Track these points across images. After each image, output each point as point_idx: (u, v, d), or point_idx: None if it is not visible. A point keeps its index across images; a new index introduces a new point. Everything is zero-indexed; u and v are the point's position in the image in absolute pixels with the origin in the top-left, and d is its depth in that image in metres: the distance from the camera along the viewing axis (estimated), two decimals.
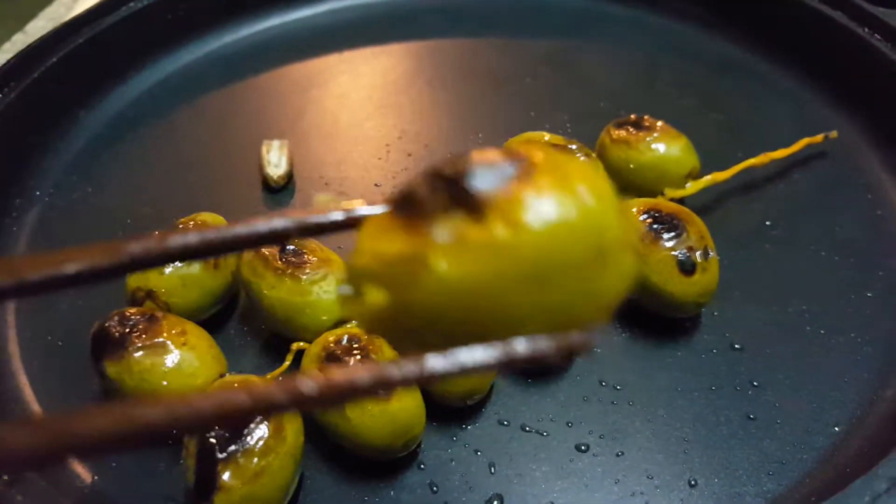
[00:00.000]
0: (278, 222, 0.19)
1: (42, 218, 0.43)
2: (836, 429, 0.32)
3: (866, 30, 0.47)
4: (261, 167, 0.44)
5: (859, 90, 0.47)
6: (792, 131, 0.45)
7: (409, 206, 0.16)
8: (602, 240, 0.16)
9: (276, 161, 0.43)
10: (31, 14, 0.72)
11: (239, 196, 0.44)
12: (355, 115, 0.49)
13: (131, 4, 0.52)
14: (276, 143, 0.45)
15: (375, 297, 0.16)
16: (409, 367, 0.16)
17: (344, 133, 0.47)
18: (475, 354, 0.15)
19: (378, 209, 0.18)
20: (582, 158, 0.37)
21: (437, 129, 0.47)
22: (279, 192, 0.43)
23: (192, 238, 0.19)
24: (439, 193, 0.15)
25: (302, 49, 0.54)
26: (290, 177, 0.44)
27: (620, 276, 0.17)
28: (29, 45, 0.47)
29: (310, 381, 0.16)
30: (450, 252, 0.15)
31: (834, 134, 0.44)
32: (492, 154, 0.16)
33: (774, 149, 0.42)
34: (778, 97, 0.49)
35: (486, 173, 0.15)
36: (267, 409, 0.16)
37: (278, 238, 0.19)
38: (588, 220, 0.16)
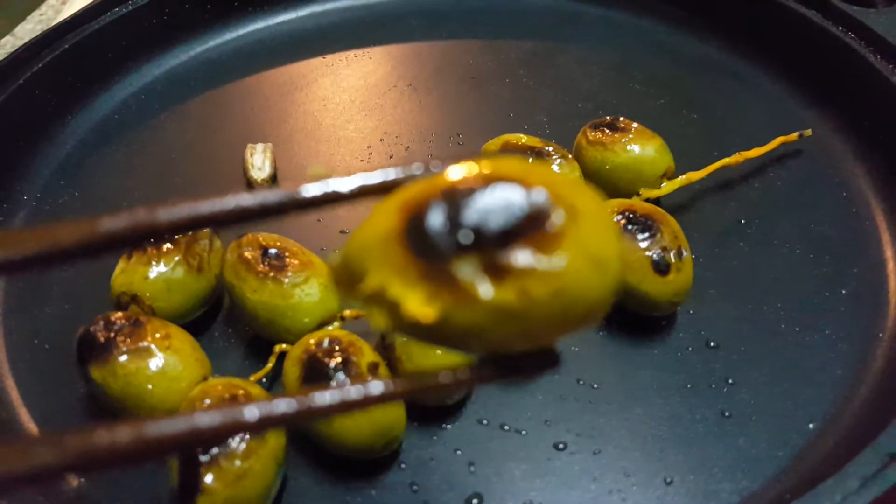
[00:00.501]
0: (271, 196, 0.18)
1: (28, 222, 0.43)
2: (811, 426, 0.33)
3: (840, 28, 0.48)
4: (244, 170, 0.44)
5: (834, 88, 0.48)
6: (767, 130, 0.45)
7: (429, 247, 0.15)
8: (614, 275, 0.17)
9: (259, 164, 0.44)
10: (21, 17, 0.72)
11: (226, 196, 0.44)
12: (338, 117, 0.49)
13: (116, 10, 0.52)
14: (259, 147, 0.45)
15: (419, 309, 0.16)
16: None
17: (327, 136, 0.48)
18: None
19: (371, 177, 0.18)
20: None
21: (419, 131, 0.48)
22: None
23: (181, 211, 0.19)
24: (472, 246, 0.15)
25: (285, 53, 0.55)
26: (273, 179, 0.44)
27: (614, 291, 0.17)
28: (15, 50, 0.47)
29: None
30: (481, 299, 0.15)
31: (808, 132, 0.45)
32: (526, 198, 0.15)
33: (749, 148, 0.43)
34: (753, 96, 0.50)
35: (522, 224, 0.15)
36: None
37: (272, 212, 0.19)
38: (608, 268, 0.16)
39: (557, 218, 0.15)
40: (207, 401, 0.29)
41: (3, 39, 0.68)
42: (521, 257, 0.15)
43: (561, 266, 0.15)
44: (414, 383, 0.19)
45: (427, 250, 0.15)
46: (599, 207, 0.17)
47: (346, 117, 0.49)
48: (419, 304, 0.15)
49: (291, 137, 0.48)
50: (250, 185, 0.44)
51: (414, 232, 0.15)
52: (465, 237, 0.15)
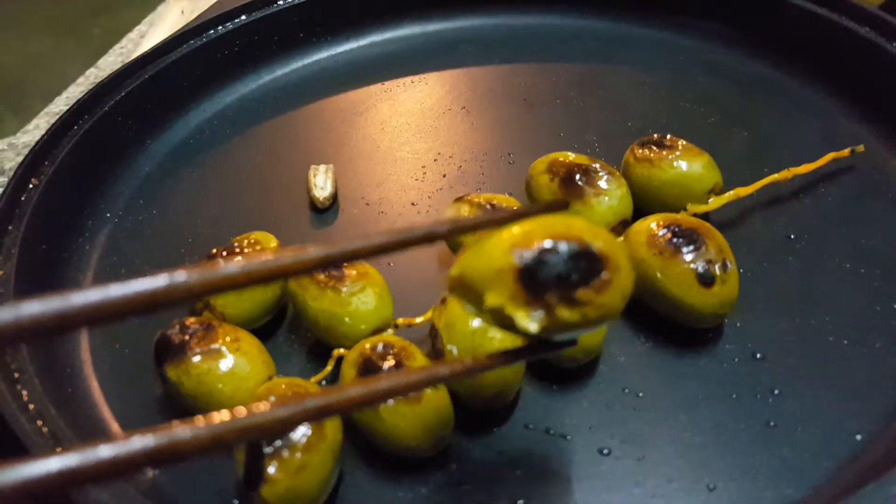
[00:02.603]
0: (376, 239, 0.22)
1: (111, 237, 0.47)
2: (858, 437, 0.33)
3: (893, 44, 0.48)
4: (308, 189, 0.47)
5: (887, 103, 0.48)
6: (818, 146, 0.46)
7: (534, 284, 0.23)
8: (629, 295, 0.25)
9: (321, 184, 0.47)
10: (103, 50, 0.78)
11: (289, 216, 0.47)
12: (394, 140, 0.52)
13: (192, 42, 0.56)
14: (322, 168, 0.48)
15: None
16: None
17: (383, 157, 0.50)
18: None
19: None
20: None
21: (471, 152, 0.50)
22: (324, 212, 0.47)
23: (278, 260, 0.21)
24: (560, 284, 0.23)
25: (346, 80, 0.58)
26: (334, 198, 0.47)
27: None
28: (100, 82, 0.51)
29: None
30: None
31: (861, 148, 0.45)
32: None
33: (799, 164, 0.43)
34: (805, 113, 0.50)
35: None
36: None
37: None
38: (629, 295, 0.25)
39: (606, 271, 0.23)
40: (272, 398, 0.31)
41: (88, 71, 0.73)
42: (586, 295, 0.23)
43: (606, 301, 0.23)
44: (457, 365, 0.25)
45: (532, 286, 0.23)
46: (627, 256, 0.25)
47: (402, 139, 0.52)
48: (525, 320, 0.23)
49: (351, 159, 0.51)
50: (313, 203, 0.46)
51: (525, 272, 0.23)
52: (557, 279, 0.23)
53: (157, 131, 0.54)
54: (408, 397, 0.31)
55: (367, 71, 0.58)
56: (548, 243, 0.23)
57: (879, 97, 0.48)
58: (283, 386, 0.31)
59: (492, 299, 0.23)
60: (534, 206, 0.25)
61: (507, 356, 0.26)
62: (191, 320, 0.35)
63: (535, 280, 0.23)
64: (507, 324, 0.23)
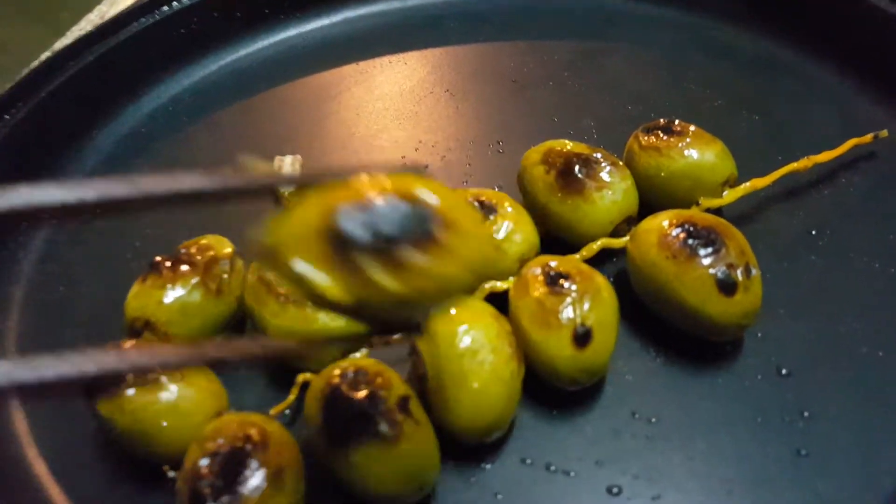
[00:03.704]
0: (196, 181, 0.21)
1: (49, 242, 0.41)
2: None
3: None
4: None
5: None
6: (837, 132, 0.42)
7: (344, 244, 0.19)
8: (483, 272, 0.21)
9: None
10: (62, 33, 0.71)
11: (250, 215, 0.41)
12: (371, 126, 0.47)
13: (144, 20, 0.50)
14: (288, 159, 0.43)
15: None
16: None
17: (358, 146, 0.45)
18: None
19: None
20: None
21: (456, 139, 0.45)
22: None
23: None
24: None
25: (317, 61, 0.52)
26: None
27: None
28: (38, 64, 0.46)
29: None
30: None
31: (884, 133, 0.41)
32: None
33: (818, 151, 0.39)
34: (819, 95, 0.46)
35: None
36: None
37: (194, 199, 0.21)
38: (477, 270, 0.21)
39: (440, 232, 0.20)
40: (220, 440, 0.26)
41: (43, 55, 0.67)
42: (411, 258, 0.19)
43: (441, 269, 0.20)
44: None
45: (342, 246, 0.19)
46: (477, 221, 0.23)
47: (379, 126, 0.47)
48: (333, 288, 0.19)
49: (323, 148, 0.45)
50: (277, 198, 0.41)
51: (334, 231, 0.19)
52: (374, 240, 0.19)
53: (104, 119, 0.48)
54: (382, 438, 0.26)
55: (340, 50, 0.53)
56: (365, 199, 0.20)
57: None
58: (234, 425, 0.27)
59: (298, 265, 0.19)
60: (384, 166, 0.21)
61: (331, 340, 0.23)
62: (127, 344, 0.29)
63: (346, 240, 0.19)
64: (316, 295, 0.20)
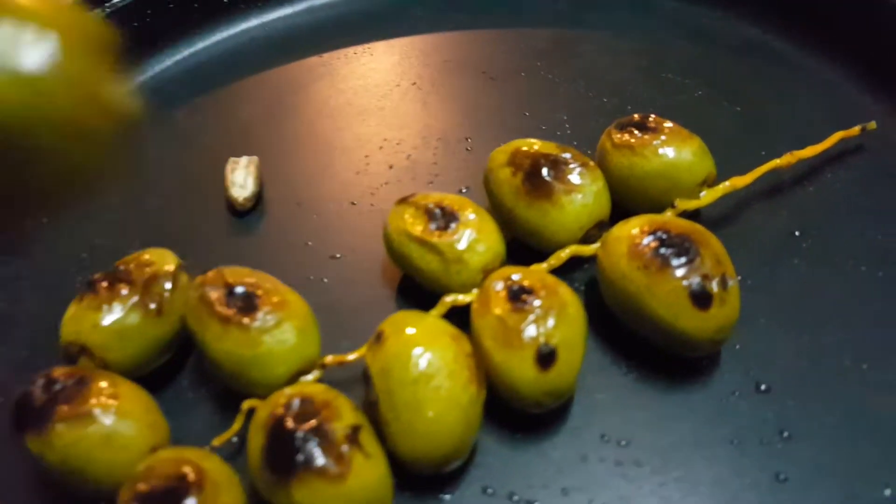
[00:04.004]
0: None
1: None
2: (887, 492, 0.27)
3: None
4: (225, 188, 0.40)
5: None
6: (822, 123, 0.39)
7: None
8: None
9: (241, 181, 0.39)
10: None
11: (204, 222, 0.39)
12: (333, 123, 0.44)
13: (92, 12, 0.48)
14: (243, 161, 0.40)
15: None
16: None
17: (319, 145, 0.43)
18: None
19: None
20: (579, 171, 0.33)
21: (422, 137, 0.43)
22: (246, 216, 0.39)
23: None
24: None
25: (279, 53, 0.50)
26: (258, 198, 0.40)
27: None
28: None
29: None
30: None
31: (872, 125, 0.39)
32: None
33: (802, 145, 0.37)
34: (804, 84, 0.44)
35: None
36: None
37: None
38: None
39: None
40: (152, 480, 0.24)
41: None
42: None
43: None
44: None
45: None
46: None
47: (341, 123, 0.44)
48: None
49: (281, 149, 0.43)
50: (232, 204, 0.39)
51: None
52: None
53: None
54: (329, 474, 0.24)
55: (302, 41, 0.50)
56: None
57: (891, 64, 0.42)
58: (169, 463, 0.25)
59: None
60: None
61: None
62: (60, 372, 0.27)
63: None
64: None
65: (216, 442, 0.28)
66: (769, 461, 0.28)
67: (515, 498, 0.27)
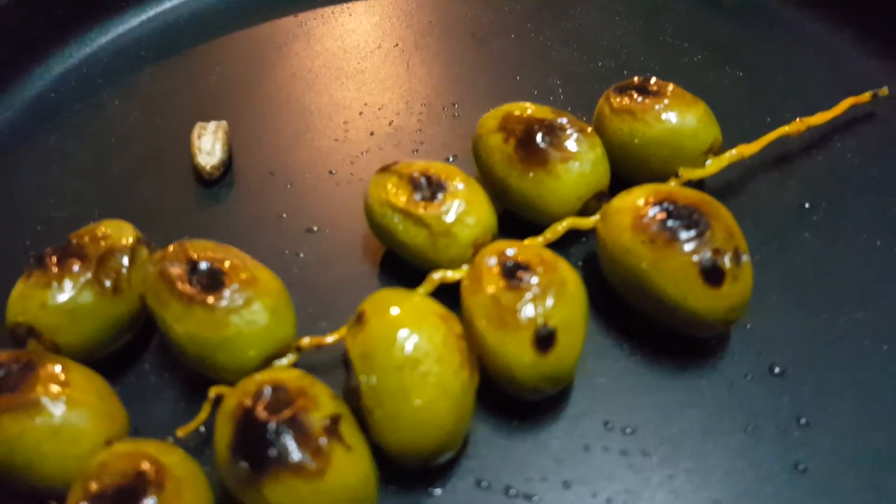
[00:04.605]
0: None
1: None
2: None
3: None
4: (191, 156, 0.36)
5: None
6: (831, 90, 0.37)
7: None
8: None
9: (208, 148, 0.36)
10: None
11: (169, 191, 0.36)
12: (310, 88, 0.41)
13: None
14: (210, 126, 0.37)
15: None
16: None
17: (294, 111, 0.40)
18: None
19: None
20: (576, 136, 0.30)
21: (405, 102, 0.40)
22: (214, 185, 0.36)
23: None
24: None
25: (251, 13, 0.46)
26: (227, 166, 0.37)
27: None
28: None
29: None
30: None
31: (884, 91, 0.36)
32: None
33: (811, 112, 0.35)
34: (812, 49, 0.41)
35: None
36: None
37: None
38: None
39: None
40: (106, 478, 0.21)
41: None
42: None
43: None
44: None
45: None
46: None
47: (318, 87, 0.41)
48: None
49: (253, 114, 0.40)
50: (199, 173, 0.36)
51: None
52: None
53: (7, 84, 0.42)
54: (305, 470, 0.21)
55: (276, 1, 0.47)
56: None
57: None
58: (125, 457, 0.22)
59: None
60: None
61: None
62: (4, 356, 0.24)
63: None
64: None
65: (180, 433, 0.25)
66: (786, 450, 0.26)
67: (512, 492, 0.25)
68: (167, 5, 0.48)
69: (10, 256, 0.34)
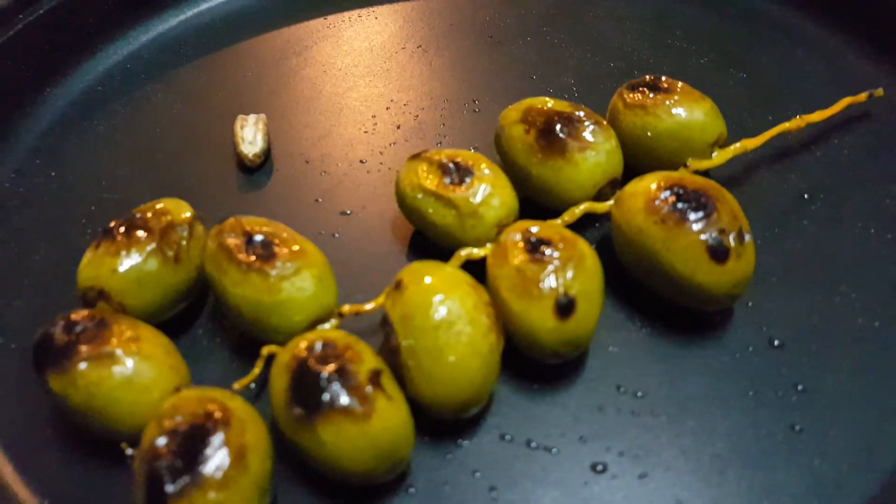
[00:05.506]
0: None
1: (0, 207, 0.39)
2: None
3: None
4: (235, 145, 0.39)
5: None
6: (828, 91, 0.40)
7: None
8: None
9: (250, 138, 0.39)
10: None
11: (212, 177, 0.39)
12: (338, 85, 0.44)
13: None
14: (251, 118, 0.40)
15: None
16: None
17: (326, 105, 0.43)
18: None
19: None
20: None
21: (430, 98, 0.43)
22: (255, 171, 0.39)
23: None
24: None
25: (282, 15, 0.49)
26: (266, 155, 0.39)
27: None
28: None
29: None
30: None
31: (879, 92, 0.39)
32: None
33: (807, 111, 0.37)
34: (810, 51, 0.44)
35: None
36: None
37: None
38: None
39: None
40: (178, 417, 0.24)
41: None
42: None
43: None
44: None
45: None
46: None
47: (348, 84, 0.44)
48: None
49: (288, 108, 0.43)
50: (241, 161, 0.39)
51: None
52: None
53: (57, 77, 0.45)
54: (354, 414, 0.24)
55: (306, 3, 0.50)
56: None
57: (894, 32, 0.42)
58: (194, 401, 0.24)
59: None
60: None
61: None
62: (79, 314, 0.27)
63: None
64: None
65: (236, 385, 0.28)
66: (784, 413, 0.28)
67: (533, 444, 0.28)
68: (203, 7, 0.51)
69: (68, 233, 0.37)
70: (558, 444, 0.28)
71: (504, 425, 0.28)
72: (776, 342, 0.30)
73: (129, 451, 0.26)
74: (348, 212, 0.37)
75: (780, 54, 0.44)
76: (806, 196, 0.36)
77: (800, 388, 0.29)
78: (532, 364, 0.29)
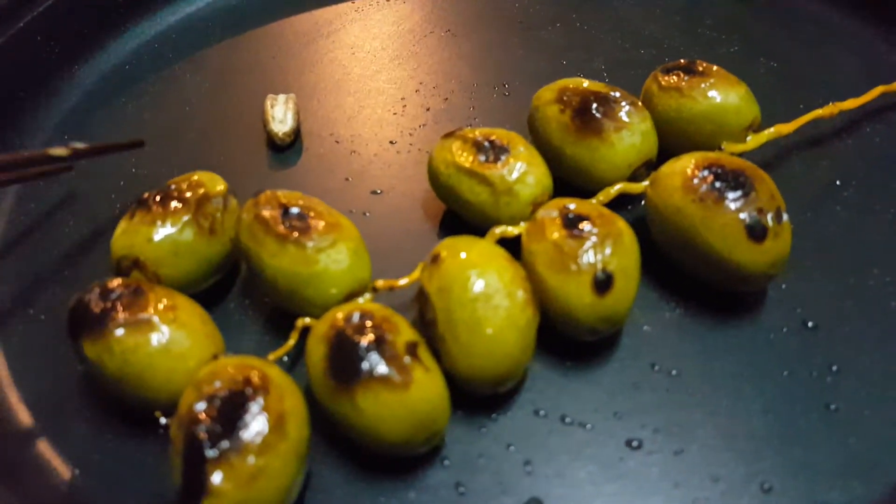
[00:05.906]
0: None
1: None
2: None
3: None
4: (265, 123, 0.39)
5: None
6: (858, 81, 0.40)
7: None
8: None
9: (280, 117, 0.39)
10: None
11: (242, 156, 0.39)
12: (368, 67, 0.44)
13: None
14: (281, 98, 0.40)
15: None
16: None
17: (356, 86, 0.43)
18: None
19: None
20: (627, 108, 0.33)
21: (458, 81, 0.43)
22: (285, 150, 0.39)
23: None
24: None
25: None
26: (296, 134, 0.39)
27: None
28: None
29: None
30: None
31: None
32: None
33: (840, 99, 0.37)
34: (838, 41, 0.44)
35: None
36: None
37: None
38: None
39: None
40: (217, 383, 0.24)
41: None
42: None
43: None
44: None
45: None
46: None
47: (377, 66, 0.44)
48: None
49: (317, 89, 0.43)
50: (272, 139, 0.39)
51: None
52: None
53: (86, 55, 0.46)
54: (392, 383, 0.24)
55: None
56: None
57: None
58: (231, 368, 0.24)
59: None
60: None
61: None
62: (115, 282, 0.27)
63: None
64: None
65: (271, 356, 0.28)
66: (819, 392, 0.28)
67: (567, 420, 0.28)
68: None
69: (96, 206, 0.37)
70: (593, 419, 0.28)
71: (538, 401, 0.28)
72: (810, 324, 0.30)
73: (164, 420, 0.26)
74: (378, 191, 0.37)
75: (811, 44, 0.44)
76: (838, 182, 0.36)
77: (834, 368, 0.29)
78: (564, 342, 0.29)
